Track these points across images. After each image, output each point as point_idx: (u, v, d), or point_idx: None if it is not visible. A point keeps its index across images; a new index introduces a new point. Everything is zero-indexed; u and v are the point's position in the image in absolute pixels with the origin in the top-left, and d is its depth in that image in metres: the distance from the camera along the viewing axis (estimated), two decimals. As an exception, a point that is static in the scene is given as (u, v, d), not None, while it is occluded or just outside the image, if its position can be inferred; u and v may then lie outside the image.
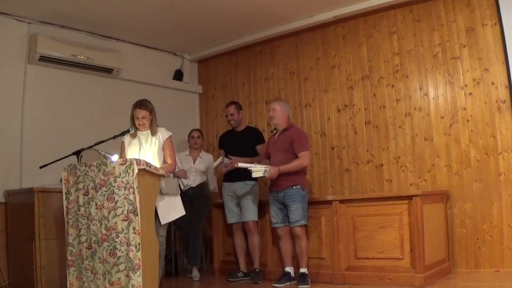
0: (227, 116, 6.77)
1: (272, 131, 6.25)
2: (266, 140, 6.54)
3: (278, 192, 5.86)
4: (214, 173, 7.37)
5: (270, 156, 6.07)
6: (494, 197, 5.79)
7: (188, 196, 6.70)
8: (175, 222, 5.74)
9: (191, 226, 6.85)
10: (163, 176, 4.86)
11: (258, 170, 5.68)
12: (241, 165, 5.84)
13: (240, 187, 6.48)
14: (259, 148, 6.57)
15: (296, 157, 5.84)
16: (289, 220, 5.82)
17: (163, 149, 5.28)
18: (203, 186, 7.11)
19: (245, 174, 6.33)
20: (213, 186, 7.40)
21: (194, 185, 6.97)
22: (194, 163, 7.07)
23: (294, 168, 5.79)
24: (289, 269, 5.97)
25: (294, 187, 5.81)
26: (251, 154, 6.49)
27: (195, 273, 6.86)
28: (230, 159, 6.33)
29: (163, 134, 5.31)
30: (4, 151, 6.31)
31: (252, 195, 6.44)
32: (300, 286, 5.65)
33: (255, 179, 6.35)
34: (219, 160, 6.39)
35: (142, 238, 4.37)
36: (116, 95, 7.40)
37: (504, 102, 5.78)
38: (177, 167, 6.11)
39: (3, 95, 6.38)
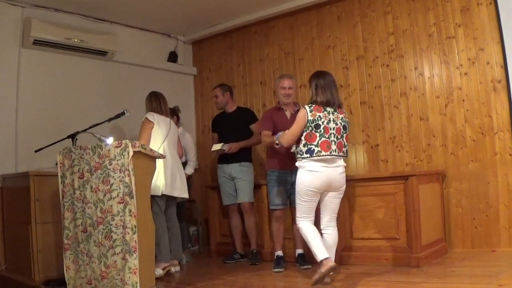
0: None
1: (280, 108, 5.93)
2: (266, 116, 6.01)
3: (292, 173, 5.59)
4: (195, 156, 7.11)
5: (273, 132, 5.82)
6: (490, 176, 5.80)
7: None
8: None
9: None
10: (158, 158, 4.85)
11: None
12: None
13: (235, 168, 6.46)
14: (254, 127, 6.55)
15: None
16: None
17: None
18: None
19: (240, 156, 6.34)
20: (189, 169, 6.92)
21: None
22: None
23: None
24: (281, 252, 5.92)
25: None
26: (246, 134, 6.49)
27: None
28: (229, 146, 6.36)
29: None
30: (-1, 136, 6.31)
31: (248, 177, 6.44)
32: (305, 267, 5.64)
33: (250, 160, 6.38)
34: (219, 146, 6.38)
35: (138, 221, 4.37)
36: (110, 78, 7.38)
37: (500, 81, 5.77)
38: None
39: (-2, 79, 6.36)
